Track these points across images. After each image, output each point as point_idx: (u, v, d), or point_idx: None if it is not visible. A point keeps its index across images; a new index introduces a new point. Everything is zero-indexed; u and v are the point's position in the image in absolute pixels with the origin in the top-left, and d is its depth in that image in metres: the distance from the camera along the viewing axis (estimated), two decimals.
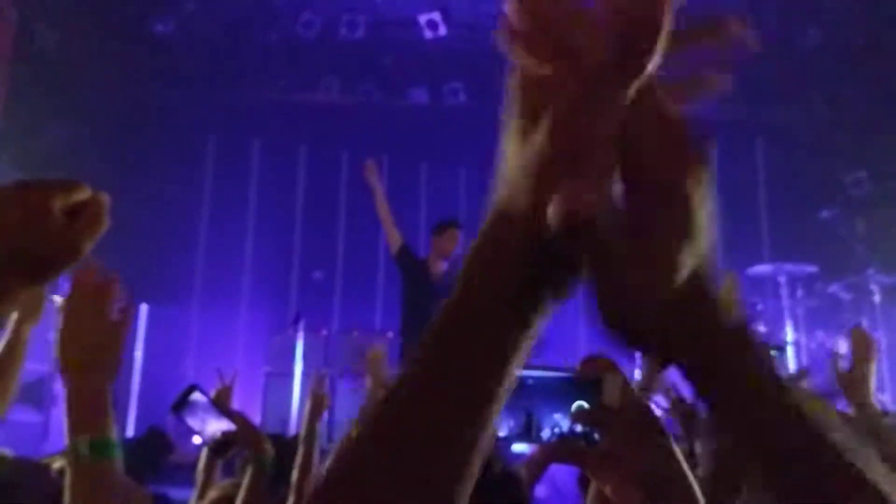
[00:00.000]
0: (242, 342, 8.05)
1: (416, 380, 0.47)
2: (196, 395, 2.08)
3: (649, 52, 0.42)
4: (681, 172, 0.43)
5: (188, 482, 2.53)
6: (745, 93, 8.01)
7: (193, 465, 2.46)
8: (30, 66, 6.69)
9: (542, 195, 0.43)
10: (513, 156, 0.46)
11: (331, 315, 8.12)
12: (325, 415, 7.00)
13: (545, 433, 0.79)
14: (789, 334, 6.32)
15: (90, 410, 1.16)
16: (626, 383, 0.81)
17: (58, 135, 6.90)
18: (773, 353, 2.70)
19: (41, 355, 3.33)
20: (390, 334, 6.66)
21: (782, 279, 6.42)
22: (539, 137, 0.44)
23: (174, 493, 3.52)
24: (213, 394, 2.54)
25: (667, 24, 0.42)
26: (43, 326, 1.70)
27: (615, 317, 0.44)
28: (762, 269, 6.64)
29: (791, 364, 6.27)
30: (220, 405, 2.41)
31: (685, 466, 0.79)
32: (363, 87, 8.37)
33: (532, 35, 0.44)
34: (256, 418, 6.76)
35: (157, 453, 6.07)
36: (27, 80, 6.64)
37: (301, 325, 6.79)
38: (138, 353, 7.43)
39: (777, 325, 6.39)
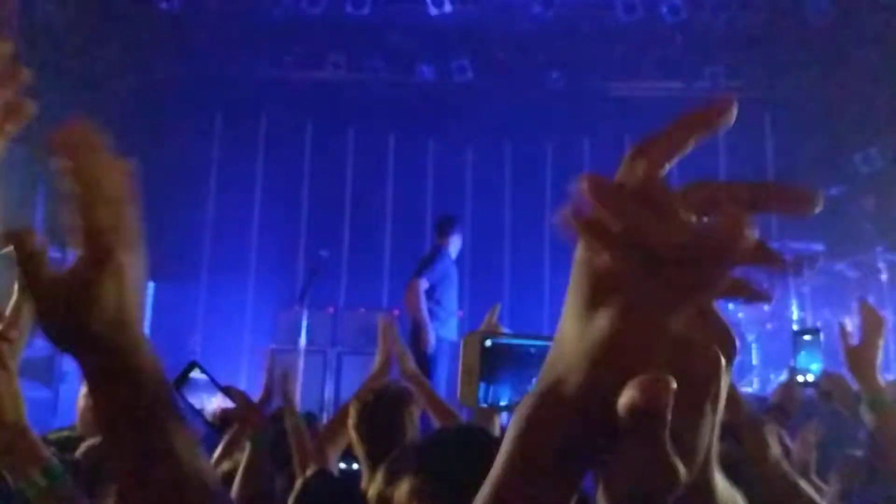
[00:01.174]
0: (249, 319, 8.09)
1: None
2: (196, 373, 2.09)
3: (727, 268, 0.42)
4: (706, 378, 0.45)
5: None
6: (756, 67, 7.95)
7: (201, 442, 2.47)
8: (35, 43, 6.67)
9: (602, 378, 0.44)
10: (572, 335, 0.46)
11: (337, 292, 8.14)
12: (332, 392, 6.97)
13: None
14: (795, 313, 6.31)
15: (23, 453, 1.21)
16: None
17: (63, 112, 6.88)
18: (808, 336, 2.68)
19: None
20: (397, 311, 6.69)
21: (789, 257, 6.41)
22: (604, 323, 0.44)
23: None
24: (264, 387, 2.53)
25: (746, 246, 0.42)
26: None
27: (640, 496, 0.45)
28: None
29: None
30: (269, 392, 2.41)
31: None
32: (370, 64, 8.33)
33: (603, 224, 0.43)
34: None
35: None
36: (32, 57, 6.63)
37: (306, 302, 6.81)
38: (145, 330, 7.46)
39: (783, 304, 6.38)
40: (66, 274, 0.67)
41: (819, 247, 6.38)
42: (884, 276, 6.22)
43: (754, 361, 6.26)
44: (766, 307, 6.35)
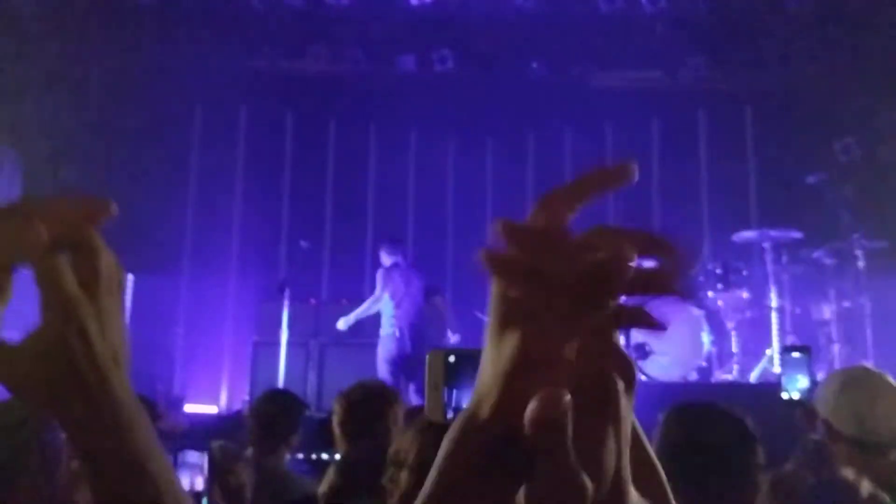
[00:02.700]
0: (231, 311, 8.05)
1: None
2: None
3: (613, 294, 0.48)
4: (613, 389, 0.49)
5: (174, 450, 2.54)
6: (736, 57, 8.00)
7: (181, 434, 2.47)
8: (8, 34, 6.58)
9: (510, 398, 0.48)
10: (489, 359, 0.51)
11: (319, 284, 8.12)
12: (315, 383, 6.96)
13: None
14: (774, 300, 6.36)
15: None
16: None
17: (43, 104, 6.81)
18: (797, 354, 2.70)
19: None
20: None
21: (767, 245, 6.45)
22: (511, 346, 0.49)
23: None
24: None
25: (628, 276, 0.47)
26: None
27: None
28: (748, 234, 6.67)
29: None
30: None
31: (644, 436, 0.80)
32: (350, 54, 8.29)
33: (511, 261, 0.49)
34: (245, 386, 6.79)
35: None
36: (5, 49, 6.54)
37: (286, 294, 6.80)
38: (126, 331, 7.40)
39: (762, 291, 6.43)
40: (29, 342, 0.63)
41: (797, 234, 6.43)
42: (860, 264, 6.28)
43: (734, 349, 6.30)
44: (744, 294, 6.41)
